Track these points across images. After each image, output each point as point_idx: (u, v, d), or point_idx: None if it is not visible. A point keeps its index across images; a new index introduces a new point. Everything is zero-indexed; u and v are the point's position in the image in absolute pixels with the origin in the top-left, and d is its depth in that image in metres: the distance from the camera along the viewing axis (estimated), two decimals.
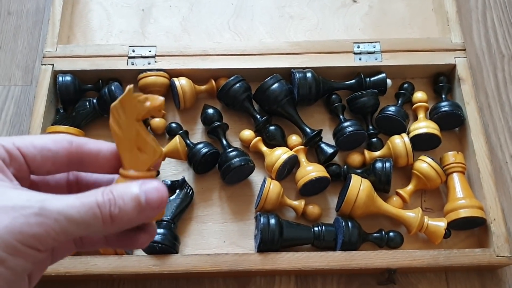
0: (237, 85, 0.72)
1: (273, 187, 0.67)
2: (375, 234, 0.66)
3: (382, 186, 0.68)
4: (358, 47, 0.77)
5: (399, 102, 0.75)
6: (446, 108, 0.73)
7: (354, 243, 0.64)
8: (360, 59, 0.77)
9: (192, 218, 0.70)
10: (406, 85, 0.77)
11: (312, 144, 0.72)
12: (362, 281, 0.67)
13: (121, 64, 0.76)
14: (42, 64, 0.75)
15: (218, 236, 0.69)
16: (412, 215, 0.66)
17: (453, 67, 0.77)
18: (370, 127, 0.74)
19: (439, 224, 0.65)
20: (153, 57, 0.76)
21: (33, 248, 0.30)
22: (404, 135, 0.71)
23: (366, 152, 0.72)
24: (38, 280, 0.34)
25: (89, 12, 0.84)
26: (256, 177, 0.72)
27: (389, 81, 0.75)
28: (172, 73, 0.76)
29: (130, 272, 0.62)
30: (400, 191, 0.69)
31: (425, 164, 0.69)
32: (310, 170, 0.68)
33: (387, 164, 0.68)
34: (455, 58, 0.77)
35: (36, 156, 0.33)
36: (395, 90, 0.77)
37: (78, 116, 0.73)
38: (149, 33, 0.83)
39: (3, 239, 0.28)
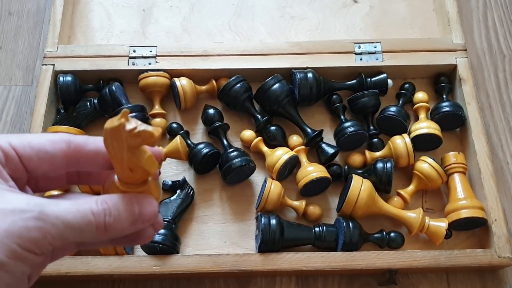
0: (238, 85, 0.72)
1: (274, 188, 0.67)
2: (376, 235, 0.66)
3: (383, 186, 0.68)
4: (359, 48, 0.77)
5: (400, 102, 0.75)
6: (447, 109, 0.73)
7: (355, 244, 0.64)
8: (361, 59, 0.76)
9: (193, 218, 0.70)
10: (407, 85, 0.77)
11: (313, 145, 0.72)
12: (363, 282, 0.67)
13: (122, 64, 0.76)
14: (43, 64, 0.75)
15: (219, 236, 0.69)
16: (413, 215, 0.66)
17: (454, 68, 0.77)
18: (371, 127, 0.74)
19: (440, 224, 0.65)
20: (154, 57, 0.76)
21: (31, 252, 0.30)
22: (405, 135, 0.71)
23: (367, 152, 0.72)
24: (37, 277, 0.34)
25: (90, 12, 0.84)
26: (257, 178, 0.72)
27: (390, 81, 0.75)
28: (173, 73, 0.75)
29: (130, 272, 0.62)
30: (401, 192, 0.69)
31: (426, 164, 0.69)
32: (311, 171, 0.68)
33: (388, 165, 0.68)
34: (456, 58, 0.76)
35: (33, 157, 0.33)
36: (396, 90, 0.77)
37: (78, 116, 0.73)
38: (149, 33, 0.83)
39: (3, 243, 0.28)
